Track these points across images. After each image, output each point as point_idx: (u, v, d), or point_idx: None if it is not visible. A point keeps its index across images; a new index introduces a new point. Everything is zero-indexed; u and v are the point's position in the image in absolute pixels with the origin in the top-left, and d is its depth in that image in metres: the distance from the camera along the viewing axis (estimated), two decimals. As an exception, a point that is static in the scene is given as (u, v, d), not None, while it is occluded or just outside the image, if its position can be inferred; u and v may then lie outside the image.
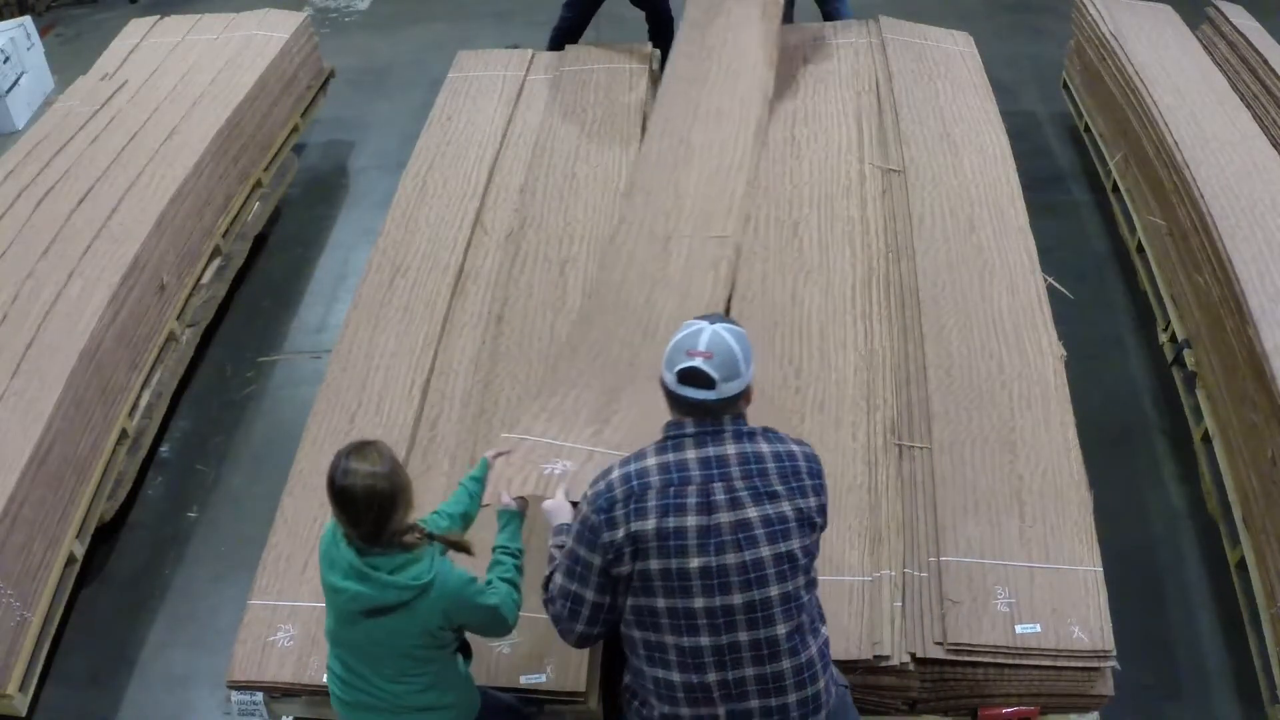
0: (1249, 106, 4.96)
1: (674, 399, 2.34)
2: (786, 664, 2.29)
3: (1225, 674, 3.48)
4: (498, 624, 2.58)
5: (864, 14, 5.76)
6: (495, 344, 3.95)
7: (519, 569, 2.67)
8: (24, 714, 3.42)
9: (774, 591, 2.27)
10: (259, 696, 3.06)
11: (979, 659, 2.92)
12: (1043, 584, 3.03)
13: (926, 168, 4.57)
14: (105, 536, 4.11)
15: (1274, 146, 4.61)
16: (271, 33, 5.84)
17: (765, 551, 2.27)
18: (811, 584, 2.38)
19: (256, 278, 5.42)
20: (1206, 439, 3.99)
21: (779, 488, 2.30)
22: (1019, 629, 2.93)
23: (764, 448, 2.34)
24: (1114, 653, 2.91)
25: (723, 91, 4.79)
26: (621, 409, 3.23)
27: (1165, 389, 4.44)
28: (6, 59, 6.75)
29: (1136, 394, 4.48)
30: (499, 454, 2.94)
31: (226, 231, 5.15)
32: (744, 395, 2.36)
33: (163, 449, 4.55)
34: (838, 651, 2.90)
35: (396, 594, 2.39)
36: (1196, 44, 5.50)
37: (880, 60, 5.31)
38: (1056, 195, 5.56)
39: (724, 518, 2.27)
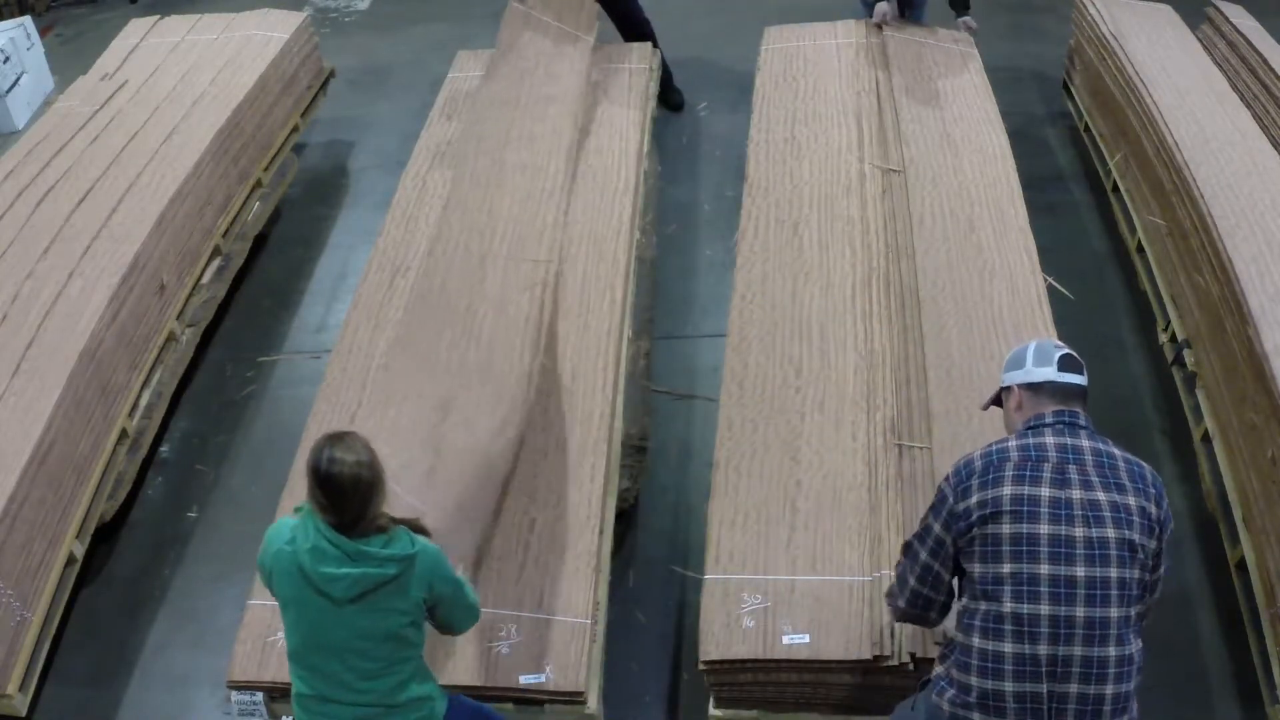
0: (1249, 106, 4.96)
1: (1051, 389, 2.57)
2: (1113, 651, 2.35)
3: (1225, 674, 3.48)
4: (466, 604, 2.65)
5: (863, 14, 5.76)
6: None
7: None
8: (24, 714, 3.42)
9: (1114, 573, 2.36)
10: (259, 696, 3.07)
11: (979, 659, 2.91)
12: (1043, 584, 3.02)
13: (926, 168, 4.57)
14: (105, 536, 4.11)
15: (1274, 146, 4.61)
16: (271, 33, 5.84)
17: (1111, 533, 2.37)
18: (1144, 587, 2.44)
19: (256, 278, 5.41)
20: (1206, 439, 3.99)
21: (1127, 483, 2.44)
22: (1019, 629, 2.93)
23: (1115, 450, 2.52)
24: (1114, 653, 2.90)
25: (535, 117, 4.91)
26: (449, 431, 3.35)
27: (1165, 389, 4.43)
28: (6, 59, 6.75)
29: (1136, 394, 4.48)
30: None
31: (226, 231, 5.14)
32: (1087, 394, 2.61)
33: (163, 449, 4.55)
34: (837, 651, 2.91)
35: (395, 567, 2.45)
36: (1196, 44, 5.49)
37: (880, 60, 5.31)
38: (1056, 195, 5.56)
39: (1076, 494, 2.41)
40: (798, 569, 3.11)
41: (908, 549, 2.63)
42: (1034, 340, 2.70)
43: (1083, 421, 2.55)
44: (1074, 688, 2.34)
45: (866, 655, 2.89)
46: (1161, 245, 4.60)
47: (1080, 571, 2.35)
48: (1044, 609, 2.35)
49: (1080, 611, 2.34)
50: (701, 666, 3.01)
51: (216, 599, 3.91)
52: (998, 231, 4.22)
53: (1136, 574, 2.40)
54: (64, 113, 5.31)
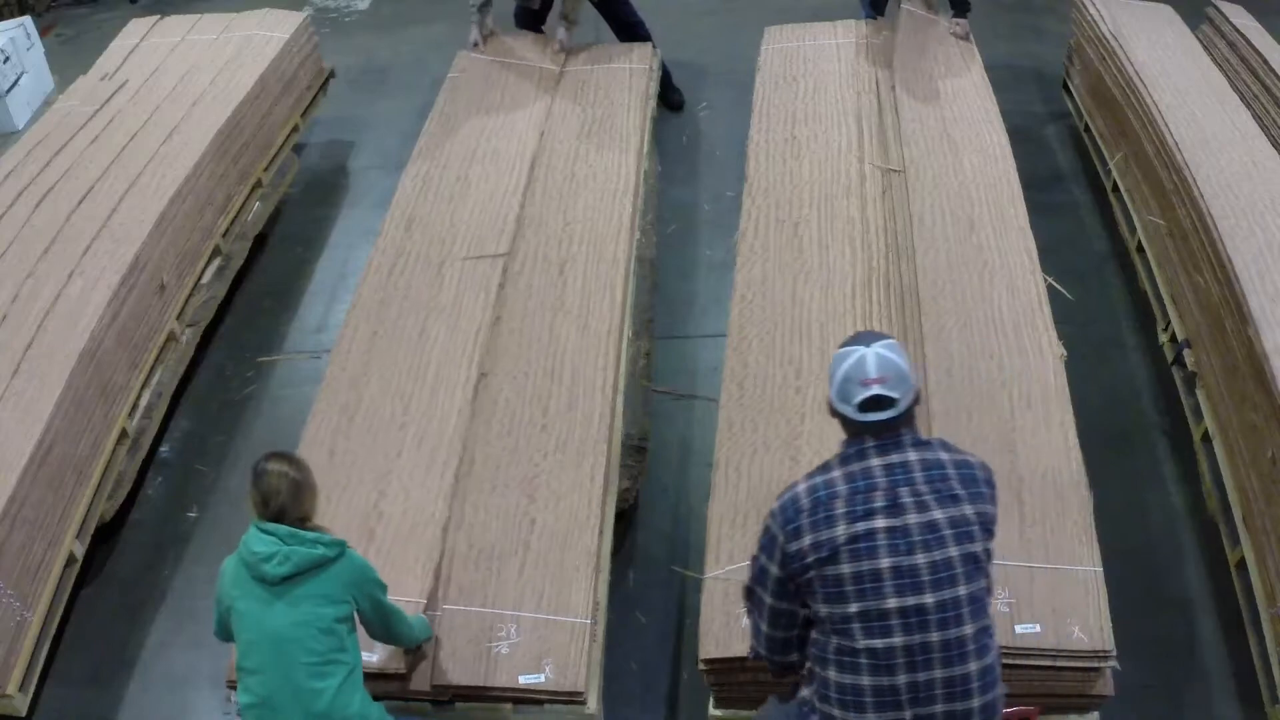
0: (1249, 106, 4.96)
1: (857, 426, 2.41)
2: (973, 665, 2.31)
3: (1225, 674, 3.48)
4: (388, 611, 2.82)
5: (863, 14, 5.76)
6: (494, 344, 3.96)
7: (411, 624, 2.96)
8: (24, 714, 3.42)
9: (962, 591, 2.31)
10: (259, 696, 3.06)
11: (979, 659, 2.91)
12: (1043, 584, 3.03)
13: (926, 168, 4.57)
14: (105, 536, 4.11)
15: (1274, 146, 4.61)
16: (271, 33, 5.84)
17: (954, 551, 2.31)
18: (989, 590, 2.41)
19: (256, 278, 5.41)
20: (1206, 439, 3.99)
21: (960, 491, 2.36)
22: (1018, 629, 2.93)
23: (943, 455, 2.41)
24: (1114, 653, 2.91)
25: (501, 134, 5.02)
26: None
27: (1165, 389, 4.43)
28: (6, 59, 6.75)
29: (1136, 394, 4.48)
30: None
31: (226, 231, 5.14)
32: (916, 400, 2.45)
33: (163, 449, 4.55)
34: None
35: (323, 550, 2.66)
36: (1196, 44, 5.49)
37: (880, 60, 5.31)
38: (1056, 195, 5.56)
39: (912, 519, 2.32)
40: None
41: (750, 595, 2.54)
42: (850, 352, 2.42)
43: (906, 440, 2.41)
44: (939, 707, 2.31)
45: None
46: (1161, 245, 4.60)
47: (929, 598, 2.29)
48: (897, 640, 2.29)
49: (935, 636, 2.29)
50: (701, 666, 3.01)
51: (216, 592, 3.90)
52: (998, 231, 4.22)
53: (985, 582, 2.36)
54: (64, 113, 5.31)
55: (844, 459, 2.43)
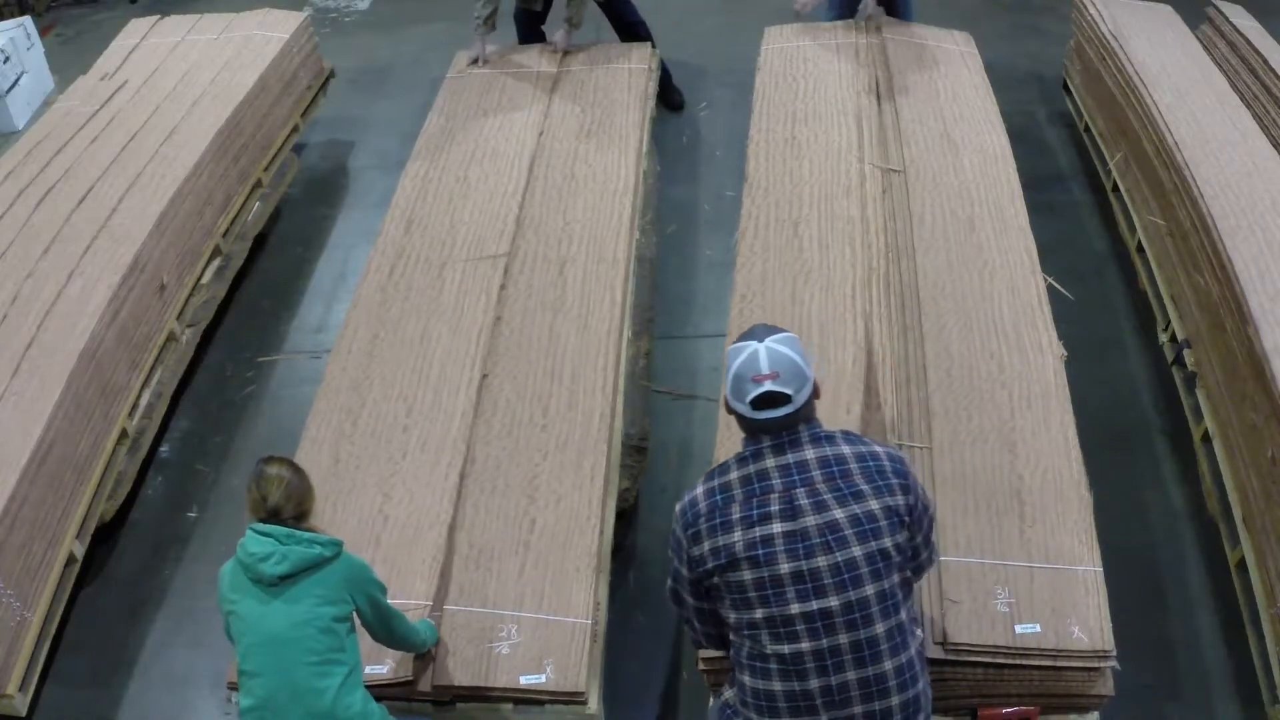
0: (1249, 106, 4.96)
1: (752, 424, 2.35)
2: (888, 664, 2.28)
3: (1225, 674, 3.48)
4: (387, 612, 2.82)
5: (864, 14, 5.76)
6: (494, 344, 3.96)
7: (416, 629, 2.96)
8: (24, 714, 3.42)
9: (870, 590, 2.27)
10: (259, 696, 3.06)
11: (979, 659, 2.92)
12: (1043, 584, 3.03)
13: (926, 168, 4.57)
14: (105, 536, 4.11)
15: (1274, 146, 4.61)
16: (271, 33, 5.84)
17: (857, 551, 2.27)
18: (907, 583, 2.37)
19: (256, 278, 5.42)
20: (1206, 439, 3.99)
21: (864, 486, 2.30)
22: (1019, 629, 2.93)
23: (845, 449, 2.35)
24: (1114, 653, 2.90)
25: (500, 135, 5.00)
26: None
27: (1165, 389, 4.43)
28: (6, 59, 6.75)
29: (1136, 394, 4.48)
30: None
31: (226, 231, 5.15)
32: (814, 394, 2.38)
33: (163, 449, 4.55)
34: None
35: (319, 549, 2.67)
36: (1196, 44, 5.49)
37: (880, 60, 5.31)
38: (1056, 195, 5.56)
39: (810, 521, 2.28)
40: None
41: (675, 596, 2.51)
42: (743, 347, 2.36)
43: (804, 436, 2.35)
44: (857, 709, 2.28)
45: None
46: (1161, 245, 4.60)
47: (834, 601, 2.25)
48: (805, 646, 2.26)
49: (844, 639, 2.26)
50: (701, 666, 3.01)
51: (216, 599, 3.90)
52: (998, 231, 4.22)
53: (897, 577, 2.31)
54: (64, 113, 5.31)
55: (741, 460, 2.38)
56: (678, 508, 2.41)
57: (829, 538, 2.26)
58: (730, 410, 2.39)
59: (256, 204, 5.46)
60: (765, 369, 2.31)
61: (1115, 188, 5.23)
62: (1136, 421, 4.36)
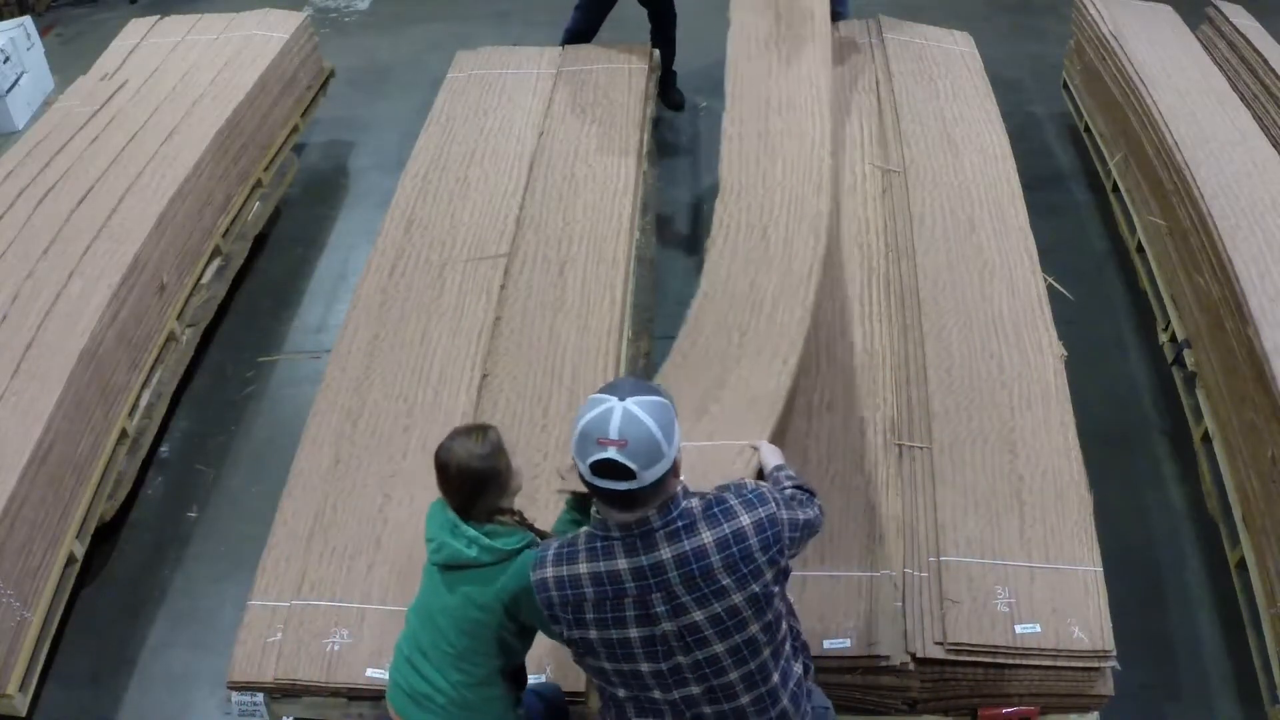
0: (1249, 106, 4.96)
1: (592, 489, 2.12)
2: (752, 715, 2.27)
3: (1225, 674, 3.48)
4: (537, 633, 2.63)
5: (864, 14, 5.76)
6: (494, 344, 3.96)
7: None
8: (24, 714, 3.42)
9: (734, 675, 2.19)
10: (260, 697, 3.06)
11: (979, 659, 2.92)
12: (1043, 584, 3.03)
13: (926, 168, 4.57)
14: (105, 536, 4.11)
15: (1274, 146, 4.61)
16: (271, 33, 5.83)
17: (719, 648, 2.15)
18: (780, 644, 2.25)
19: (256, 278, 5.41)
20: (1206, 439, 3.99)
21: (726, 581, 2.10)
22: (1019, 629, 2.93)
23: (705, 538, 2.10)
24: (1114, 653, 2.91)
25: (500, 135, 5.01)
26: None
27: (1165, 389, 4.43)
28: (6, 59, 6.75)
29: (1136, 394, 4.48)
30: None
31: (226, 231, 5.14)
32: (671, 473, 2.11)
33: (163, 449, 4.55)
34: (838, 651, 2.91)
35: (479, 552, 2.49)
36: (1196, 44, 5.50)
37: (880, 60, 5.31)
38: (1056, 195, 5.56)
39: (668, 626, 2.13)
40: (807, 565, 3.10)
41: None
42: (599, 400, 2.09)
43: (656, 524, 2.09)
44: None
45: (866, 655, 2.89)
46: (1161, 245, 4.61)
47: (695, 690, 2.20)
48: (667, 716, 2.26)
49: (707, 710, 2.23)
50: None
51: (216, 599, 3.91)
52: (998, 231, 4.22)
53: (765, 653, 2.20)
54: (64, 113, 5.31)
55: (591, 551, 2.16)
56: (534, 577, 2.23)
57: (688, 639, 2.14)
58: (577, 472, 2.13)
59: (256, 204, 5.46)
60: (613, 434, 2.03)
61: (1115, 188, 5.23)
62: (1136, 421, 4.36)
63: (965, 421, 3.49)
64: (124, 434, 4.20)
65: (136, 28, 6.06)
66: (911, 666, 2.91)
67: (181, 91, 5.39)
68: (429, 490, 3.44)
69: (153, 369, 4.46)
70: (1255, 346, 3.58)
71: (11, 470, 3.53)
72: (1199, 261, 4.17)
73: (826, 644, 2.92)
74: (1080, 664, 2.91)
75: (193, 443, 4.58)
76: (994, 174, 4.54)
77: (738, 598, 2.12)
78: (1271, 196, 4.20)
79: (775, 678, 2.25)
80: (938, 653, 2.91)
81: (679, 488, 2.16)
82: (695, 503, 2.16)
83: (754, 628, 2.16)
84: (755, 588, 2.13)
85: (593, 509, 2.28)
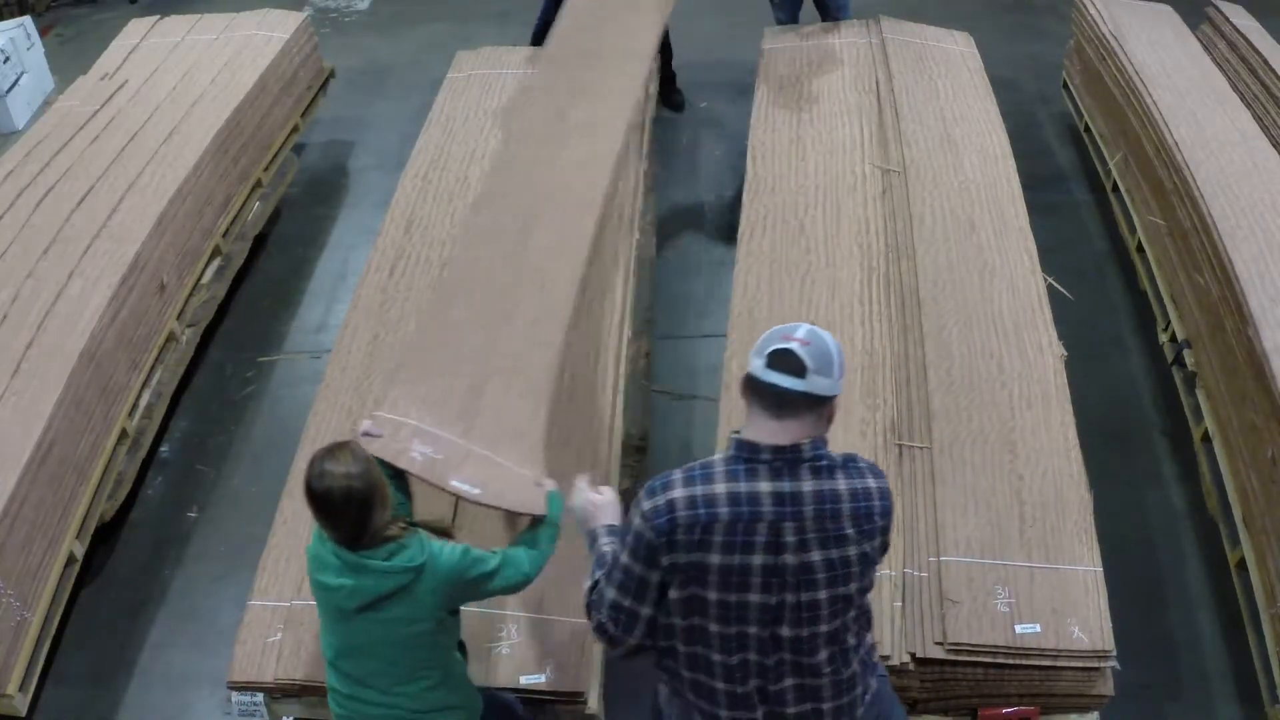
0: (1249, 106, 4.96)
1: (757, 389, 2.17)
2: (826, 680, 2.31)
3: (1225, 674, 3.48)
4: (507, 582, 2.58)
5: (864, 14, 5.76)
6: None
7: (547, 537, 2.73)
8: (24, 714, 3.42)
9: (823, 628, 2.26)
10: (260, 697, 3.06)
11: (979, 659, 2.92)
12: (1043, 584, 3.03)
13: (927, 168, 4.57)
14: (105, 536, 4.11)
15: (1274, 146, 4.61)
16: (271, 33, 5.83)
17: (823, 594, 2.23)
18: (863, 611, 2.35)
19: (256, 278, 5.42)
20: (1206, 439, 3.99)
21: (849, 531, 2.20)
22: (1019, 629, 2.93)
23: (841, 485, 2.20)
24: (1114, 653, 2.91)
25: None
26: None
27: (1165, 389, 4.43)
28: (6, 59, 6.75)
29: (1136, 394, 4.48)
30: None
31: (226, 231, 5.14)
32: (829, 405, 2.21)
33: (163, 449, 4.55)
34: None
35: (395, 580, 2.40)
36: (1196, 44, 5.50)
37: (880, 60, 5.31)
38: (1056, 195, 5.56)
39: (789, 559, 2.19)
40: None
41: (613, 605, 2.30)
42: (789, 325, 2.26)
43: (806, 454, 2.18)
44: (791, 710, 2.31)
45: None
46: (1161, 245, 4.61)
47: (786, 632, 2.24)
48: (751, 657, 2.28)
49: (788, 657, 2.27)
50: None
51: (216, 599, 3.91)
52: (998, 231, 4.22)
53: (851, 614, 2.30)
54: (64, 113, 5.31)
55: (732, 473, 2.19)
56: (648, 505, 2.20)
57: (801, 578, 2.21)
58: (745, 386, 2.21)
59: (256, 204, 5.46)
60: (799, 334, 2.17)
61: (1115, 188, 5.23)
62: (1136, 421, 4.36)
63: (965, 421, 3.49)
64: (124, 434, 4.20)
65: (136, 28, 6.06)
66: (911, 666, 2.91)
67: (181, 91, 5.39)
68: (428, 491, 3.45)
69: (153, 369, 4.46)
70: (1255, 346, 3.58)
71: (11, 470, 3.53)
72: (1199, 261, 4.17)
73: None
74: (1080, 664, 2.91)
75: (193, 443, 4.58)
76: (994, 174, 4.54)
77: (853, 550, 2.21)
78: (1271, 196, 4.20)
79: (851, 640, 2.33)
80: (938, 653, 2.91)
81: (825, 433, 2.23)
82: (836, 456, 2.24)
83: (854, 585, 2.25)
84: (867, 548, 2.23)
85: (730, 438, 2.25)
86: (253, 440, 4.56)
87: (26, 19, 7.14)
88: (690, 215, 5.55)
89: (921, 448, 3.44)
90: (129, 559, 4.11)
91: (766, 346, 2.18)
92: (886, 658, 2.88)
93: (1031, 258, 4.09)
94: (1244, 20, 5.54)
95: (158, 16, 6.18)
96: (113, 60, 5.77)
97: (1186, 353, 4.22)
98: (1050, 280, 4.09)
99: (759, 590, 2.21)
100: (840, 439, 3.44)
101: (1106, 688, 2.96)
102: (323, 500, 2.36)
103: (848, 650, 2.32)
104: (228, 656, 3.09)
